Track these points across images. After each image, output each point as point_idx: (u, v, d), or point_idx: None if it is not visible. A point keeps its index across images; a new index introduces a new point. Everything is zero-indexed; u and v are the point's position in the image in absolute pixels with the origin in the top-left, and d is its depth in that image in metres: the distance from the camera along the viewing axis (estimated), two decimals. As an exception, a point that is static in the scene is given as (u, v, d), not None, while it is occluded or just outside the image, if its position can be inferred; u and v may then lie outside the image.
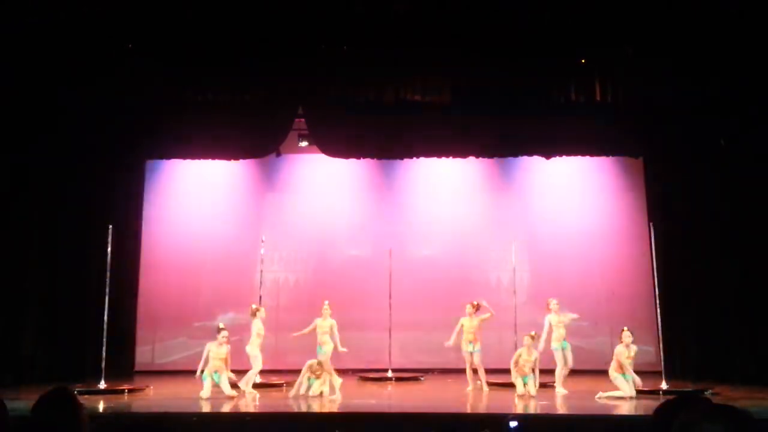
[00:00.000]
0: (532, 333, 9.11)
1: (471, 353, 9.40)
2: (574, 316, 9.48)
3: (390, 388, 10.01)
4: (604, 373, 9.09)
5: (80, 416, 2.74)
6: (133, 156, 11.51)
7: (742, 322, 10.07)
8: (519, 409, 7.78)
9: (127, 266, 11.67)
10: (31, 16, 8.97)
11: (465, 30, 9.40)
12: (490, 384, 9.42)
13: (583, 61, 9.77)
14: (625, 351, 8.62)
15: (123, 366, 11.27)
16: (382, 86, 10.05)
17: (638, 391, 8.70)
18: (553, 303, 9.27)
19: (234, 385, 8.78)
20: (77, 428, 2.70)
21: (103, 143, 10.56)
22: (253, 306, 9.50)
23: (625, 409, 7.87)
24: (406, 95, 9.98)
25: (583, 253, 12.18)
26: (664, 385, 8.89)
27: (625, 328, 8.77)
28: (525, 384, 8.71)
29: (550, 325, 9.19)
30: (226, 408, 7.99)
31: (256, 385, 9.31)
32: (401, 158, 11.68)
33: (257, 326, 9.15)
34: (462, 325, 9.49)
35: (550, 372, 9.33)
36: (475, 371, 9.42)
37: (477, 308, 9.54)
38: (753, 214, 10.03)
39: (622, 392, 8.40)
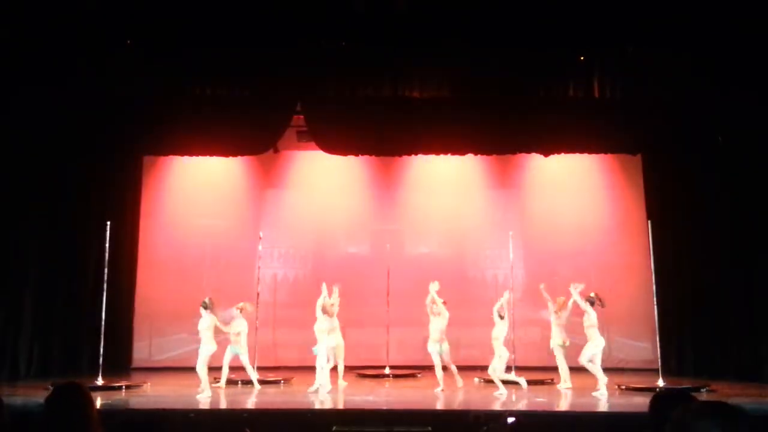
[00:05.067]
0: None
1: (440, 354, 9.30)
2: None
3: (387, 385, 10.01)
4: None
5: (91, 411, 2.76)
6: (131, 152, 11.49)
7: (740, 319, 10.09)
8: (517, 405, 7.80)
9: (125, 262, 11.67)
10: (28, 10, 8.95)
11: (463, 26, 9.39)
12: (488, 381, 9.44)
13: (581, 57, 9.76)
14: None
15: (120, 362, 11.27)
16: (381, 82, 10.02)
17: (634, 388, 8.77)
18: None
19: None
20: (88, 423, 2.72)
21: (100, 139, 10.53)
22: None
23: (623, 405, 7.89)
24: (404, 92, 9.95)
25: (581, 250, 12.16)
26: (660, 382, 8.91)
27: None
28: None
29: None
30: (224, 404, 8.01)
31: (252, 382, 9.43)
32: (399, 155, 11.66)
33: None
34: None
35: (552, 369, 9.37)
36: (446, 369, 9.33)
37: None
38: (751, 211, 10.05)
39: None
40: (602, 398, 8.26)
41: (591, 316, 8.77)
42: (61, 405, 2.76)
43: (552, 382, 9.58)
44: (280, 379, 9.83)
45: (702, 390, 8.53)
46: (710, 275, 10.44)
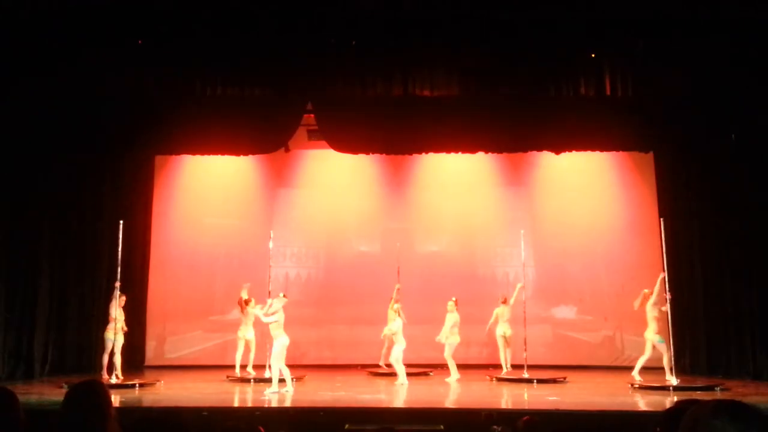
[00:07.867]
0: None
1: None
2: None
3: (399, 383, 10.01)
4: (613, 368, 9.09)
5: (109, 409, 2.78)
6: (143, 152, 11.56)
7: (753, 317, 10.02)
8: (529, 404, 7.78)
9: (138, 261, 11.76)
10: (40, 12, 9.01)
11: (474, 24, 9.37)
12: (501, 379, 9.43)
13: (593, 55, 9.71)
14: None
15: (133, 360, 11.35)
16: (391, 81, 10.01)
17: (647, 387, 8.75)
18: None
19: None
20: (105, 420, 2.74)
21: (112, 139, 10.60)
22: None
23: (634, 404, 7.86)
24: (414, 90, 9.94)
25: (593, 249, 12.13)
26: (674, 381, 8.86)
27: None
28: None
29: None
30: (237, 402, 8.04)
31: (265, 380, 9.47)
32: (410, 153, 11.66)
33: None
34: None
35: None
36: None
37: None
38: (764, 209, 9.96)
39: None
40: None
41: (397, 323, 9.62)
42: (79, 402, 2.78)
43: (564, 380, 9.57)
44: (292, 377, 9.84)
45: (716, 388, 8.48)
46: (723, 273, 10.37)
